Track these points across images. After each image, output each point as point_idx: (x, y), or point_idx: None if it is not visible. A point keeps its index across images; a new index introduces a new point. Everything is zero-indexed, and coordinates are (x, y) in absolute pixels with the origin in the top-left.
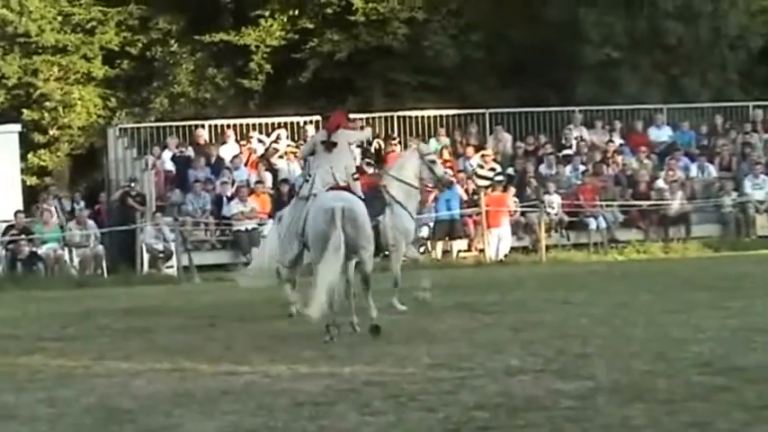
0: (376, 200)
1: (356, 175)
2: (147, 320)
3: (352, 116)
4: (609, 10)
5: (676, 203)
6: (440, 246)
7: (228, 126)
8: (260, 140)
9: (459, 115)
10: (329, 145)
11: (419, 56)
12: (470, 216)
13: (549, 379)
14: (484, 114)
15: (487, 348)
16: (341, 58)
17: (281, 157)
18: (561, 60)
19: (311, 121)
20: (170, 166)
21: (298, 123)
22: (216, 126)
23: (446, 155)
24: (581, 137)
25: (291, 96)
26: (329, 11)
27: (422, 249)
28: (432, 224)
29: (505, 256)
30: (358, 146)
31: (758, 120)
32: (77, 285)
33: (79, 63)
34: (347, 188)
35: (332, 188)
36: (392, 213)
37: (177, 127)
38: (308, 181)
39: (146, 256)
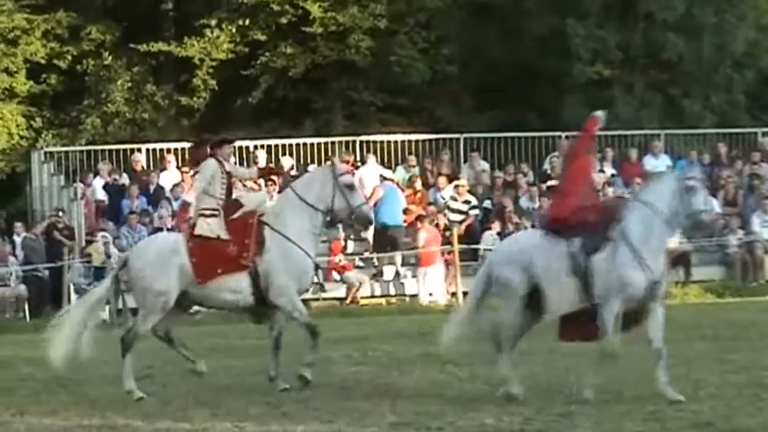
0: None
1: (207, 211)
2: (74, 371)
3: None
4: (600, 22)
5: (675, 243)
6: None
7: (168, 150)
8: None
9: (430, 140)
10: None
11: (385, 72)
12: (441, 254)
13: None
14: (458, 139)
15: (459, 405)
16: (296, 74)
17: None
18: (546, 79)
19: (262, 146)
20: (102, 195)
21: (247, 148)
22: (154, 150)
23: (417, 185)
24: None
25: (240, 117)
26: (283, 21)
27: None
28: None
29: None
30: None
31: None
32: None
33: (0, 77)
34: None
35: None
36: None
37: (111, 151)
38: None
39: (74, 297)
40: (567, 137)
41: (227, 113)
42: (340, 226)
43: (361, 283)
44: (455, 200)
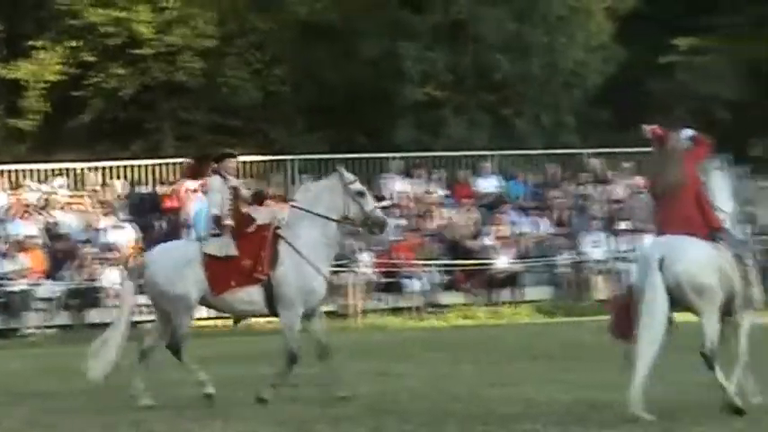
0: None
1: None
2: None
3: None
4: (430, 44)
5: (504, 263)
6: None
7: (1, 173)
8: (34, 189)
9: (261, 162)
10: None
11: (215, 93)
12: None
13: None
14: (291, 161)
15: (290, 426)
16: (126, 95)
17: (61, 208)
18: (377, 101)
19: (95, 168)
20: None
21: (78, 170)
22: None
23: None
24: (398, 187)
25: (71, 139)
26: (113, 42)
27: None
28: None
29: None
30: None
31: (597, 169)
32: None
33: None
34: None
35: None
36: None
37: None
38: None
39: None
40: (397, 158)
41: (59, 135)
42: None
43: None
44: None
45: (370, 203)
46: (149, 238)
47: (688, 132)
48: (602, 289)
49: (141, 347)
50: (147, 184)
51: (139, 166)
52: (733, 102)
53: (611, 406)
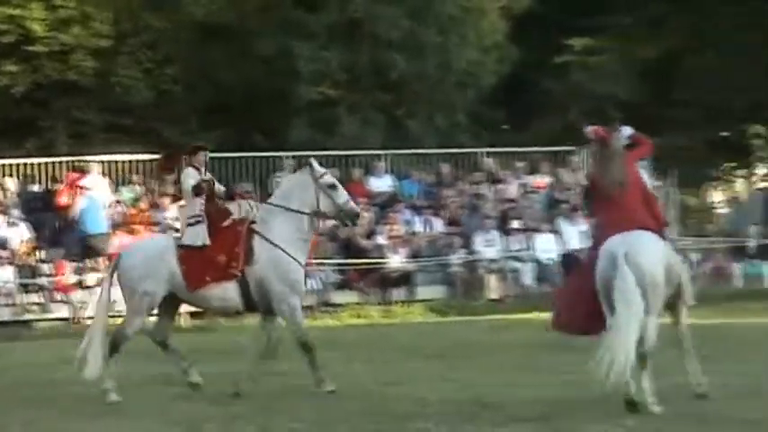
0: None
1: (191, 219)
2: None
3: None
4: (326, 43)
5: (398, 262)
6: None
7: None
8: None
9: (154, 160)
10: None
11: (107, 92)
12: None
13: None
14: (184, 159)
15: (183, 425)
16: (18, 92)
17: None
18: (271, 100)
19: None
20: None
21: None
22: None
23: (142, 205)
24: None
25: None
26: (5, 40)
27: None
28: None
29: None
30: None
31: (490, 169)
32: None
33: None
34: None
35: None
36: None
37: None
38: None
39: None
40: (290, 156)
41: None
42: None
43: (82, 305)
44: (179, 220)
45: (342, 196)
46: (43, 237)
47: (627, 131)
48: (494, 288)
49: (156, 340)
50: (40, 182)
51: (33, 165)
52: (626, 102)
53: (503, 405)
